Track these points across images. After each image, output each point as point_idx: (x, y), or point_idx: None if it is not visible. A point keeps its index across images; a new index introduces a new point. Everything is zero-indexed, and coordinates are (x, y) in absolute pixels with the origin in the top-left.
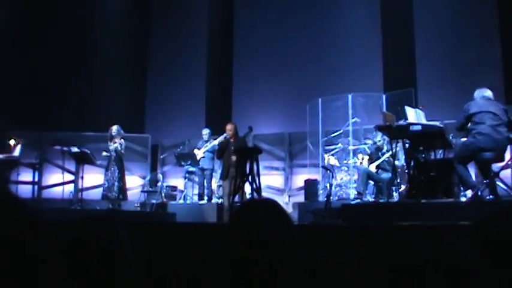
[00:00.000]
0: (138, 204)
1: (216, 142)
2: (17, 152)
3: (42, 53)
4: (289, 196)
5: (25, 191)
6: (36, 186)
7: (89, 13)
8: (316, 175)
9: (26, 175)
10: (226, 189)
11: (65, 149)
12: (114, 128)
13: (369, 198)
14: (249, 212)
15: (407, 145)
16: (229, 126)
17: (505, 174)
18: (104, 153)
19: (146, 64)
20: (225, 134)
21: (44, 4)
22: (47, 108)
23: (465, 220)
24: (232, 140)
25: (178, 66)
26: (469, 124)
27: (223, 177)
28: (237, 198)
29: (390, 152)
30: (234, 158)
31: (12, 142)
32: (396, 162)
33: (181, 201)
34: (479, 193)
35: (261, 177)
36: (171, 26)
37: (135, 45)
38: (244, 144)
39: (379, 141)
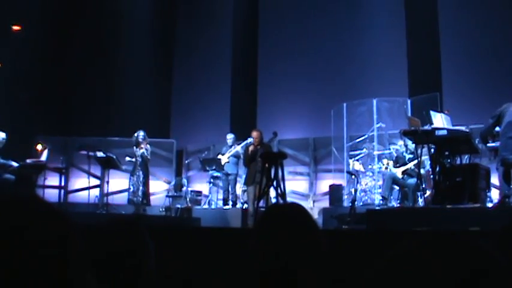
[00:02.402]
0: (163, 209)
1: (238, 148)
2: (44, 156)
3: (67, 59)
4: (313, 201)
5: (52, 195)
6: (62, 191)
7: (114, 19)
8: (340, 180)
9: (53, 179)
10: (251, 195)
11: (91, 153)
12: (141, 134)
13: (394, 203)
14: (275, 217)
15: (432, 150)
16: (255, 134)
17: None
18: (127, 159)
19: (171, 69)
20: (249, 140)
21: (69, 11)
22: (73, 114)
23: (492, 226)
24: (258, 146)
25: (203, 71)
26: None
27: (248, 182)
28: (261, 203)
29: (416, 161)
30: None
31: (39, 147)
32: (421, 171)
33: (206, 206)
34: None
35: (286, 182)
36: (195, 32)
37: (160, 50)
38: (271, 150)
39: (412, 143)
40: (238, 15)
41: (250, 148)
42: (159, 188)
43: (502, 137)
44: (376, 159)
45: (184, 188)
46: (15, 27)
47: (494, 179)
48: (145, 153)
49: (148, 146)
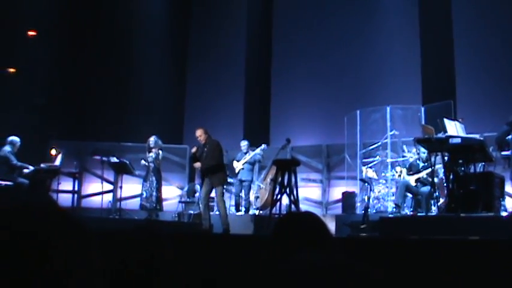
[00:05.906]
0: (176, 215)
1: (252, 154)
2: (57, 161)
3: (82, 64)
4: (326, 208)
5: (65, 199)
6: (75, 195)
7: (128, 24)
8: (353, 187)
9: (66, 184)
10: (202, 194)
11: (105, 158)
12: (151, 139)
13: (407, 211)
14: (290, 225)
15: (446, 158)
16: (198, 132)
17: None
18: (142, 162)
19: (185, 75)
20: (263, 146)
21: (84, 16)
22: (87, 119)
23: (506, 235)
24: (205, 148)
25: (217, 77)
26: None
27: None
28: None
29: (429, 169)
30: (197, 165)
31: (53, 152)
32: (435, 179)
33: (218, 212)
34: None
35: (299, 189)
36: (209, 37)
37: (174, 56)
38: (218, 147)
39: (424, 152)
40: (251, 20)
41: (194, 150)
42: (171, 193)
43: None
44: (389, 166)
45: (197, 194)
46: (31, 33)
47: (509, 188)
48: (154, 156)
49: (160, 151)
